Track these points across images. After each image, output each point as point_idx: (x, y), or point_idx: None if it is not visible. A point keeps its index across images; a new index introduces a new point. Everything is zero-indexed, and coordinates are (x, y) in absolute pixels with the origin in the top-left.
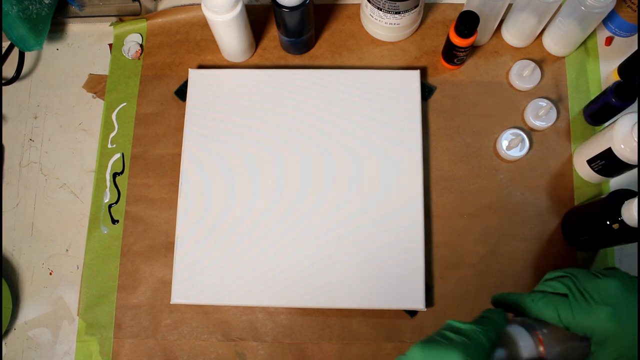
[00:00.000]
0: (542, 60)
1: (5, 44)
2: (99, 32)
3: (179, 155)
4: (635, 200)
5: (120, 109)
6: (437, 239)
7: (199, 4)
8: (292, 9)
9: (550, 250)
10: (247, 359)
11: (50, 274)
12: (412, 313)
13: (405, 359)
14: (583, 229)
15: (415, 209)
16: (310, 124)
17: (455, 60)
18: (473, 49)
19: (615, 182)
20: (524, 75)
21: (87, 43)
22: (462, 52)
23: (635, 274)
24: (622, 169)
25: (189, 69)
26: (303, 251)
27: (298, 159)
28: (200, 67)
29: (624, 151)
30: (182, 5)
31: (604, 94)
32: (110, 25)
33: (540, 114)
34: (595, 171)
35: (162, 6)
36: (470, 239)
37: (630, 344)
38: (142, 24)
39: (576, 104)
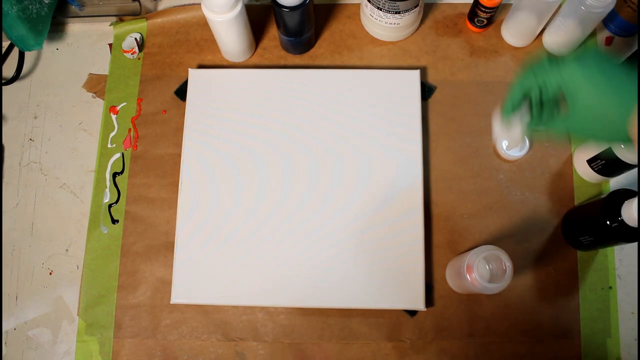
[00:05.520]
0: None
1: (5, 44)
2: (99, 32)
3: (179, 155)
4: (635, 200)
5: (120, 108)
6: (437, 239)
7: (199, 4)
8: (292, 9)
9: (550, 250)
10: (247, 359)
11: (50, 274)
12: (412, 313)
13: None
14: (583, 229)
15: (415, 209)
16: (310, 124)
17: (476, 20)
18: (473, 48)
19: (615, 182)
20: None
21: (87, 43)
22: (483, 12)
23: (636, 275)
24: (622, 169)
25: (189, 69)
26: (303, 251)
27: (297, 159)
28: (200, 67)
29: (624, 151)
30: (182, 5)
31: None
32: (110, 25)
33: None
34: (595, 171)
35: (162, 6)
36: (470, 239)
37: (600, 96)
38: (142, 24)
39: None
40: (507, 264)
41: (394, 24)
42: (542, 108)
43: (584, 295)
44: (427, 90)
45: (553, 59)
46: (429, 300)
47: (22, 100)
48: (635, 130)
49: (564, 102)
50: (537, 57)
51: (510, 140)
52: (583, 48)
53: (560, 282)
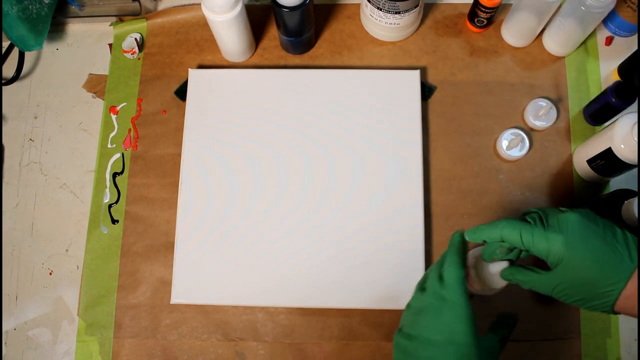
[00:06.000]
0: (542, 60)
1: (5, 44)
2: (99, 32)
3: (179, 155)
4: (635, 200)
5: (120, 108)
6: (437, 239)
7: (199, 4)
8: (292, 9)
9: None
10: (247, 359)
11: (50, 274)
12: None
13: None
14: None
15: (415, 209)
16: (310, 124)
17: (476, 20)
18: (473, 48)
19: (615, 182)
20: (539, 115)
21: (87, 43)
22: (483, 12)
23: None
24: (622, 169)
25: (189, 69)
26: (303, 251)
27: (298, 159)
28: (200, 67)
29: (624, 151)
30: (182, 5)
31: (604, 94)
32: (110, 25)
33: (540, 114)
34: (595, 171)
35: (162, 6)
36: None
37: (581, 273)
38: (142, 24)
39: (576, 104)
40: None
41: (394, 24)
42: (520, 259)
43: None
44: (427, 90)
45: (539, 222)
46: None
47: (22, 100)
48: (626, 304)
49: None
50: (523, 217)
51: (487, 276)
52: (567, 215)
53: None
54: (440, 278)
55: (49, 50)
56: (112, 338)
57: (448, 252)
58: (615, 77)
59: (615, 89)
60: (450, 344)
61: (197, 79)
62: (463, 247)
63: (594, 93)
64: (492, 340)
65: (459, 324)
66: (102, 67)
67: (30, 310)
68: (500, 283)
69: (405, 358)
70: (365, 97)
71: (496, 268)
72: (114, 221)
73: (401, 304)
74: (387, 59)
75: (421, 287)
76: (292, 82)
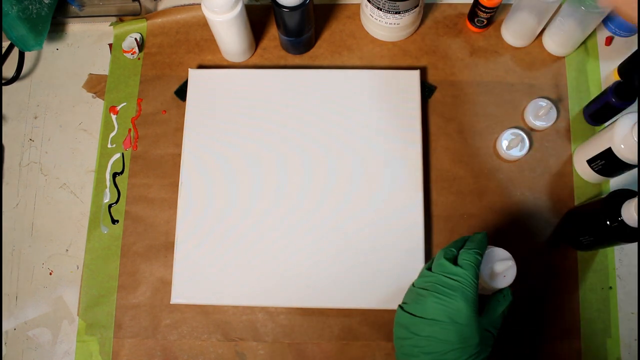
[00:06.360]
0: (542, 60)
1: (5, 44)
2: (99, 32)
3: (179, 155)
4: (635, 200)
5: (120, 108)
6: (437, 238)
7: (199, 4)
8: (292, 9)
9: (550, 250)
10: (247, 359)
11: (50, 274)
12: None
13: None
14: (583, 229)
15: (415, 209)
16: (310, 124)
17: (476, 20)
18: (473, 48)
19: (615, 182)
20: (539, 115)
21: (87, 43)
22: (483, 12)
23: (636, 275)
24: (622, 169)
25: (189, 69)
26: (303, 251)
27: (298, 159)
28: (200, 67)
29: (624, 151)
30: (182, 5)
31: (604, 94)
32: (110, 25)
33: (540, 114)
34: (595, 171)
35: (162, 6)
36: None
37: None
38: (142, 24)
39: (576, 104)
40: (510, 263)
41: (394, 24)
42: None
43: (584, 296)
44: (427, 90)
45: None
46: None
47: (22, 100)
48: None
49: None
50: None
51: (488, 277)
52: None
53: (560, 282)
54: (453, 260)
55: (49, 50)
56: (112, 338)
57: (469, 240)
58: (615, 77)
59: (615, 89)
60: (453, 324)
61: (197, 79)
62: (485, 242)
63: (594, 93)
64: (491, 319)
65: (463, 306)
66: (102, 67)
67: (30, 310)
68: (501, 283)
69: (406, 334)
70: (365, 97)
71: (501, 267)
72: (114, 221)
73: None
74: (387, 59)
75: (428, 267)
76: (292, 82)
